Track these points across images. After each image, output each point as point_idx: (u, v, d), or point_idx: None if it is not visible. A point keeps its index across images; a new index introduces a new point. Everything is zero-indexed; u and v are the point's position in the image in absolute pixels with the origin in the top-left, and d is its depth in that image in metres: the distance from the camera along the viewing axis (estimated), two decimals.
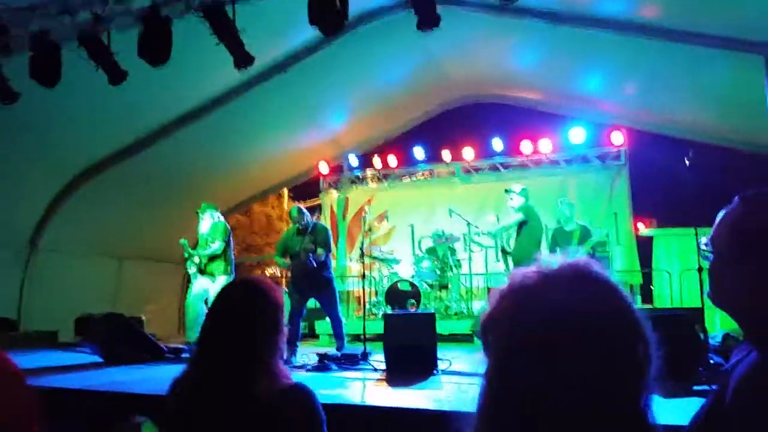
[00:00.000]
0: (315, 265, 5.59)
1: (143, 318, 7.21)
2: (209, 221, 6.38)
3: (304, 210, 6.01)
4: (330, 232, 6.00)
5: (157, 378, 4.19)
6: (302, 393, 1.46)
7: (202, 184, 9.17)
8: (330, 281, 5.87)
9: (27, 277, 7.89)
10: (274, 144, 9.75)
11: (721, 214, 1.23)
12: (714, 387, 1.25)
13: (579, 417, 0.70)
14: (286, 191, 18.90)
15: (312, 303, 6.23)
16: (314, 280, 5.73)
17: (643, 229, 9.65)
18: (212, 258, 6.22)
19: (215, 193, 9.81)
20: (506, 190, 5.87)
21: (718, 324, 6.00)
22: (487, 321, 0.80)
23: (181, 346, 5.89)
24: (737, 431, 1.07)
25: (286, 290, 5.88)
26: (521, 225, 5.83)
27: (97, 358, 5.17)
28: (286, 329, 1.59)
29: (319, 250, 5.65)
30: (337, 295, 5.96)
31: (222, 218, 6.55)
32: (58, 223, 8.01)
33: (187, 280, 10.79)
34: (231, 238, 6.46)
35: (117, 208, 8.60)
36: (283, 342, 1.56)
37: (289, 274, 6.25)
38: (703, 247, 1.31)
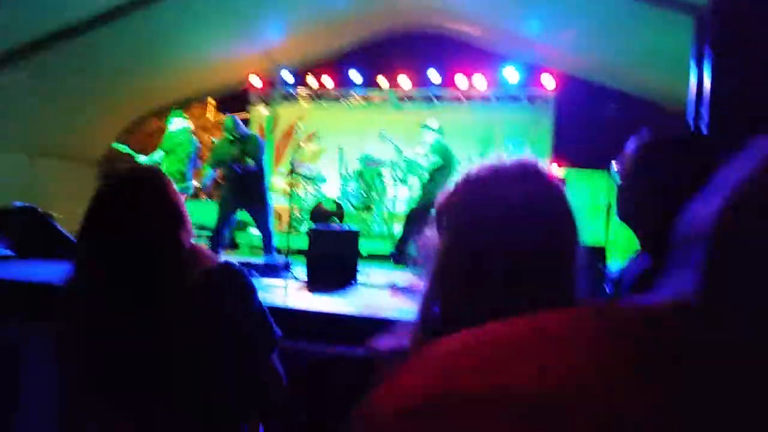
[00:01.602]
0: (240, 172, 5.56)
1: (58, 216, 6.94)
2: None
3: (239, 121, 5.91)
4: (262, 145, 5.94)
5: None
6: (233, 268, 1.42)
7: (120, 84, 8.71)
8: (263, 195, 5.84)
9: None
10: (201, 52, 9.26)
11: (630, 142, 1.47)
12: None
13: (516, 279, 0.82)
14: (211, 102, 18.20)
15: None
16: (247, 192, 5.70)
17: (557, 170, 10.12)
18: None
19: (134, 96, 9.38)
20: (423, 126, 5.86)
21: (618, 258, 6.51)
22: (443, 205, 0.92)
23: None
24: None
25: (215, 198, 5.87)
26: (439, 168, 5.93)
27: (8, 252, 4.98)
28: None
29: (248, 160, 5.61)
30: (270, 209, 5.96)
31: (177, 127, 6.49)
32: None
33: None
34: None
35: (29, 102, 8.04)
36: (191, 231, 1.43)
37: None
38: (613, 170, 1.52)
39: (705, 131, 2.97)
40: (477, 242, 0.83)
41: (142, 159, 6.51)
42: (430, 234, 0.92)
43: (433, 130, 5.65)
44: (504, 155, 0.92)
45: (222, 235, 5.73)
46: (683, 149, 1.37)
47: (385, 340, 0.92)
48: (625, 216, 1.46)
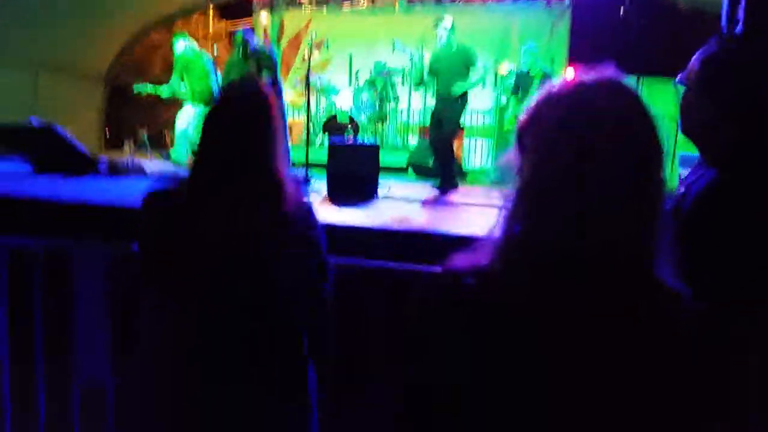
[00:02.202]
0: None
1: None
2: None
3: (250, 36, 5.74)
4: (276, 59, 5.76)
5: (101, 188, 4.10)
6: (311, 209, 1.53)
7: None
8: (281, 110, 5.73)
9: None
10: None
11: (697, 53, 1.41)
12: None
13: (601, 205, 0.81)
14: (212, 10, 17.53)
15: None
16: None
17: (572, 75, 9.87)
18: None
19: (134, 5, 9.03)
20: (435, 24, 5.48)
21: None
22: (525, 124, 0.89)
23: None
24: (693, 235, 1.25)
25: None
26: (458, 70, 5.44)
27: (25, 168, 4.96)
28: None
29: (264, 72, 5.47)
30: (287, 123, 5.89)
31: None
32: None
33: (108, 97, 10.30)
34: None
35: (29, 16, 7.74)
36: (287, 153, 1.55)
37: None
38: (677, 81, 1.46)
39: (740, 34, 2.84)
40: (567, 160, 0.82)
41: (163, 88, 6.35)
42: (512, 153, 0.90)
43: (448, 29, 5.30)
44: (585, 71, 0.88)
45: None
46: (754, 66, 1.32)
47: (461, 258, 0.91)
48: (689, 130, 1.44)
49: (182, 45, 6.31)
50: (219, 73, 6.41)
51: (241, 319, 1.42)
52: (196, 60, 6.22)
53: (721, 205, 1.29)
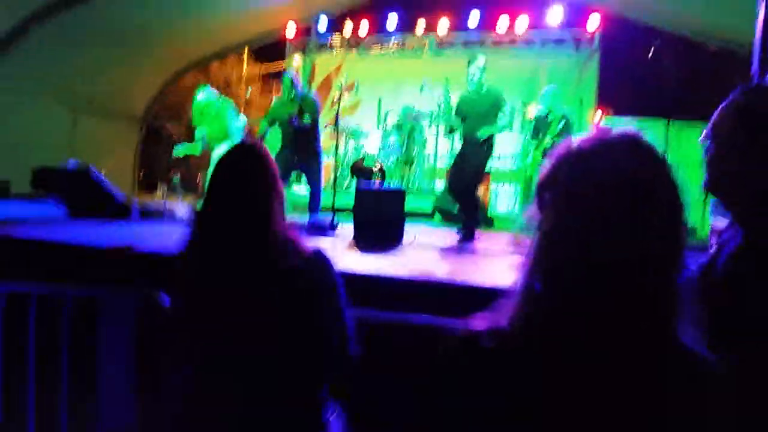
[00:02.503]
0: (297, 125, 5.55)
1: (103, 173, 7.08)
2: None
3: (296, 79, 5.91)
4: (318, 103, 5.90)
5: (136, 234, 4.19)
6: (324, 257, 1.53)
7: (159, 37, 8.66)
8: (318, 154, 5.85)
9: None
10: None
11: (723, 105, 1.33)
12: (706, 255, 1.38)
13: (620, 265, 0.79)
14: (246, 53, 18.07)
15: None
16: (302, 150, 5.71)
17: (602, 118, 9.84)
18: None
19: (172, 47, 9.32)
20: (469, 62, 5.47)
21: None
22: (544, 180, 0.89)
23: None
24: (720, 302, 1.21)
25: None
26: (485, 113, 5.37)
27: (59, 212, 5.11)
28: None
29: (305, 116, 5.60)
30: (323, 169, 5.96)
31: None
32: (7, 67, 7.49)
33: (143, 138, 10.58)
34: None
35: (70, 57, 8.08)
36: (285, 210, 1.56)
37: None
38: (702, 138, 1.41)
39: None
40: (581, 225, 0.81)
41: (195, 145, 6.50)
42: (533, 208, 0.89)
43: (480, 67, 5.26)
44: (608, 127, 0.87)
45: None
46: None
47: (481, 318, 0.91)
48: (716, 187, 1.36)
49: (202, 96, 6.46)
50: (242, 114, 6.55)
51: (257, 378, 1.42)
52: (210, 104, 6.36)
53: (747, 273, 1.23)
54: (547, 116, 6.29)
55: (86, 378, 2.51)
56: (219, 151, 6.24)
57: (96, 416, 2.51)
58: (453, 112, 5.41)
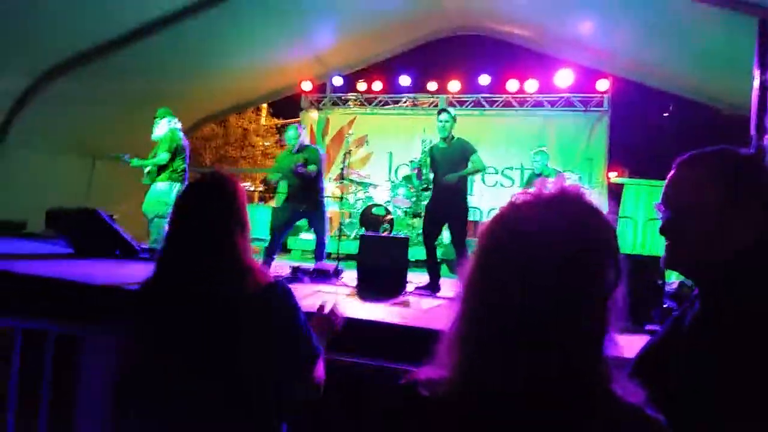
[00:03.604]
0: (301, 172, 5.66)
1: (115, 217, 7.18)
2: (164, 128, 6.39)
3: (301, 131, 6.08)
4: (321, 154, 6.04)
5: (130, 274, 4.22)
6: (283, 288, 1.52)
7: (177, 90, 8.94)
8: (321, 204, 5.96)
9: None
10: (254, 57, 9.45)
11: (671, 175, 1.24)
12: (662, 327, 1.31)
13: (544, 328, 0.78)
14: (264, 106, 18.57)
15: None
16: (307, 198, 5.82)
17: (615, 178, 9.86)
18: (160, 168, 6.36)
19: (191, 100, 9.60)
20: (440, 111, 5.42)
21: (675, 274, 6.27)
22: (481, 230, 0.89)
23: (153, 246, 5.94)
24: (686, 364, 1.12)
25: (269, 202, 5.99)
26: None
27: (68, 250, 5.17)
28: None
29: (310, 166, 5.71)
30: (327, 218, 6.04)
31: (177, 125, 6.53)
32: (28, 118, 7.75)
33: None
34: (183, 150, 6.49)
35: (90, 107, 8.35)
36: (250, 241, 1.55)
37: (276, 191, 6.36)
38: (656, 208, 1.28)
39: None
40: (506, 280, 0.80)
41: (147, 162, 6.53)
42: (469, 256, 0.89)
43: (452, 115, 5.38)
44: (548, 183, 0.86)
45: (278, 242, 5.84)
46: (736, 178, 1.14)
47: (426, 368, 0.91)
48: (679, 259, 1.21)
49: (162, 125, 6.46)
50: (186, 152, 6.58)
51: (211, 407, 1.39)
52: (170, 138, 6.40)
53: (711, 338, 1.10)
54: (540, 174, 6.43)
55: (66, 413, 2.48)
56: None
57: None
58: (426, 161, 5.57)
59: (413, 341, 3.00)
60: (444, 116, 5.35)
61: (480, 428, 0.79)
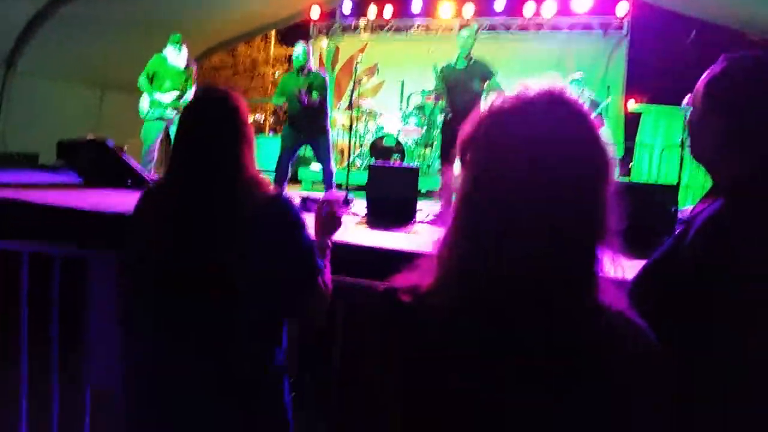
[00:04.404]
0: (305, 102, 5.56)
1: (125, 148, 7.17)
2: (185, 58, 6.44)
3: (310, 54, 5.87)
4: (327, 82, 5.90)
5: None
6: (287, 200, 1.51)
7: (186, 18, 8.74)
8: (326, 130, 5.88)
9: (5, 99, 7.67)
10: None
11: (709, 71, 1.27)
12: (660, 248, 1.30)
13: (540, 227, 0.77)
14: (273, 35, 18.15)
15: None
16: (310, 125, 5.73)
17: (633, 105, 9.62)
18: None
19: (199, 29, 9.39)
20: (461, 26, 5.38)
21: (690, 200, 6.20)
22: (466, 140, 0.85)
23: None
24: (694, 265, 1.12)
25: (280, 133, 5.92)
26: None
27: (79, 180, 5.19)
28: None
29: (314, 93, 5.60)
30: (331, 145, 5.98)
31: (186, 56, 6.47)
32: (37, 46, 7.63)
33: None
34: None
35: (99, 36, 8.21)
36: (254, 153, 1.53)
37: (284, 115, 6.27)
38: (684, 102, 1.33)
39: None
40: (496, 185, 0.79)
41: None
42: (456, 167, 0.87)
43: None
44: (530, 84, 0.84)
45: (285, 169, 5.80)
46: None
47: (404, 276, 0.91)
48: (698, 156, 1.30)
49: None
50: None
51: (215, 323, 1.40)
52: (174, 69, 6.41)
53: (718, 236, 1.13)
54: None
55: (77, 335, 2.54)
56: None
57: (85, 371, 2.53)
58: (439, 80, 5.42)
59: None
60: (465, 32, 5.19)
61: (462, 332, 0.79)
